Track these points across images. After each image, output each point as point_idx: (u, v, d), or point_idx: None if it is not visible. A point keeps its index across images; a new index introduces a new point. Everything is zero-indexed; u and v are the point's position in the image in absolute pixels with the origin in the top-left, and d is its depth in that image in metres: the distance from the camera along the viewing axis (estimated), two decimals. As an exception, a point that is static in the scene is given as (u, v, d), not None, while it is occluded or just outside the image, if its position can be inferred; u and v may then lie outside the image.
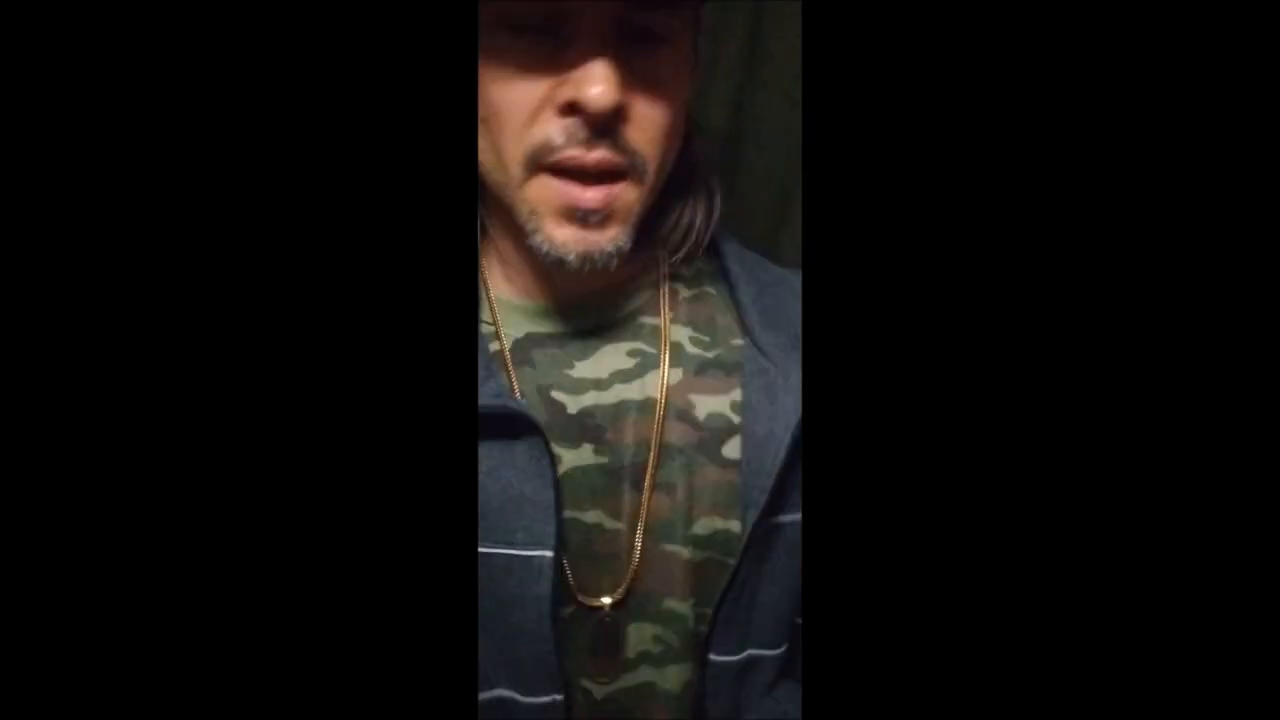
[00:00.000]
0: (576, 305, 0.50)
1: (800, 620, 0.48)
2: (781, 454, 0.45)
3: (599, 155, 0.43)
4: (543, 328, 0.50)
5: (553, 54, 0.41)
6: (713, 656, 0.46)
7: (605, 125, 0.42)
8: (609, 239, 0.45)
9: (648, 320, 0.50)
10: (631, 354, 0.49)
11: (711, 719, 0.46)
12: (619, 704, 0.46)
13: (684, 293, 0.52)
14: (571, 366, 0.49)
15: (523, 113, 0.42)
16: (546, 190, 0.44)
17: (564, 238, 0.45)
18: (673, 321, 0.50)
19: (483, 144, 0.45)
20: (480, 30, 0.42)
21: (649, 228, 0.49)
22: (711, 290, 0.52)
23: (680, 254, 0.50)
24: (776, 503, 0.46)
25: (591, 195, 0.43)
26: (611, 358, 0.49)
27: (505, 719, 0.44)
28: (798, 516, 0.47)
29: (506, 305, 0.50)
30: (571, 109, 0.42)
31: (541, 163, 0.44)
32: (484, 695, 0.44)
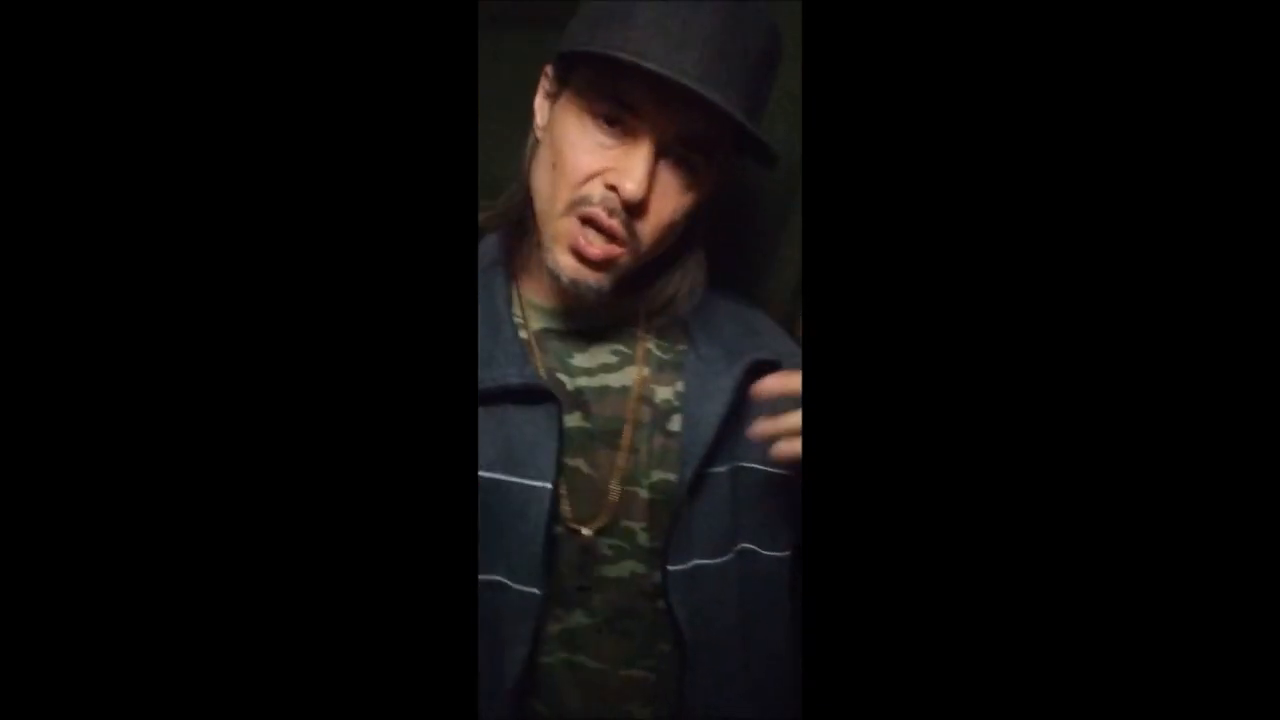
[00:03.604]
0: (579, 312, 0.68)
1: (743, 545, 0.67)
2: (713, 427, 0.64)
3: (613, 224, 0.61)
4: (554, 325, 0.68)
5: (620, 146, 0.60)
6: (669, 567, 0.64)
7: (628, 208, 0.60)
8: (595, 280, 0.63)
9: (628, 329, 0.69)
10: (614, 353, 0.68)
11: (678, 616, 0.64)
12: (586, 596, 0.65)
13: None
14: (571, 356, 0.67)
15: (584, 172, 0.61)
16: (571, 228, 0.62)
17: (565, 264, 0.63)
18: (645, 333, 0.69)
19: (544, 179, 0.64)
20: (571, 108, 0.62)
21: (636, 282, 0.68)
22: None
23: (660, 317, 0.69)
24: (708, 459, 0.64)
25: (595, 250, 0.62)
26: (600, 354, 0.68)
27: (495, 598, 0.62)
28: (724, 468, 0.66)
29: (530, 304, 0.69)
30: (613, 188, 0.60)
31: (576, 209, 0.62)
32: (483, 578, 0.62)
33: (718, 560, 0.66)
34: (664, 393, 0.68)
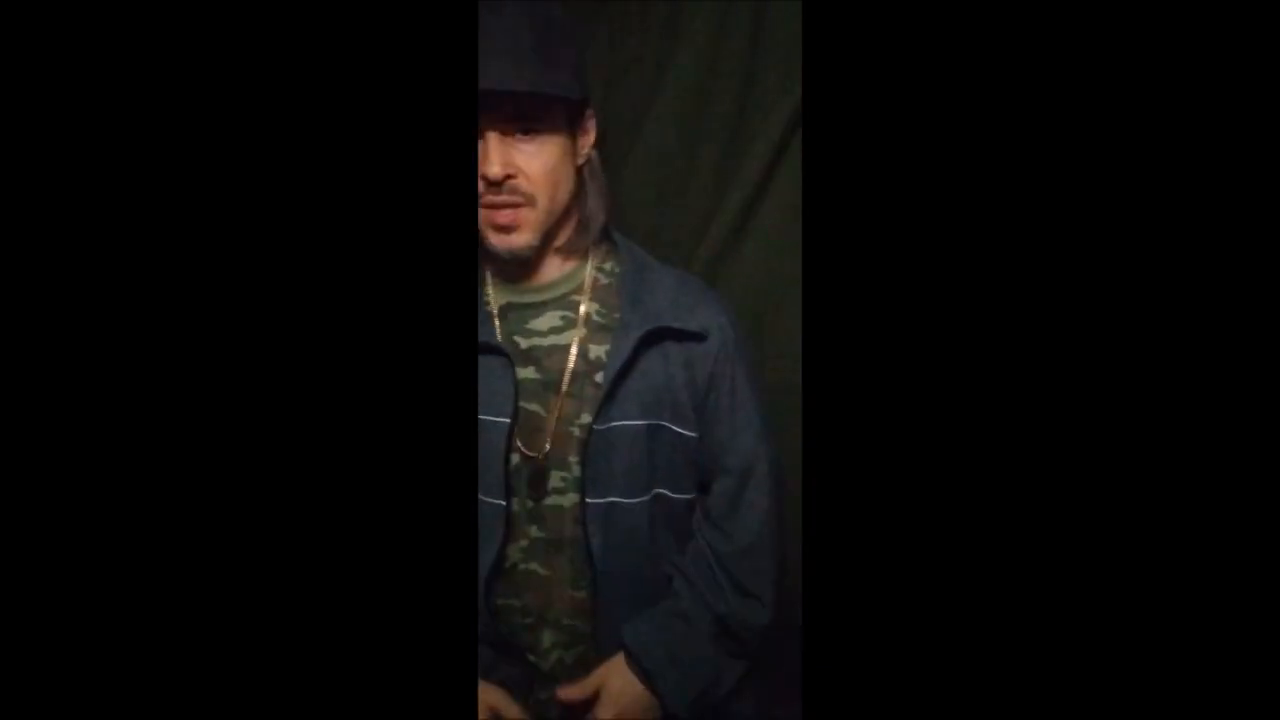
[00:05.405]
0: (532, 289, 0.89)
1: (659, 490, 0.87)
2: (609, 383, 0.83)
3: (501, 198, 0.81)
4: (515, 299, 0.89)
5: (482, 147, 0.80)
6: (588, 500, 0.84)
7: (501, 184, 0.80)
8: (522, 242, 0.83)
9: (574, 299, 0.89)
10: (562, 318, 0.88)
11: (592, 545, 0.84)
12: (539, 516, 0.86)
13: (601, 281, 0.90)
14: (528, 322, 0.88)
15: (477, 177, 0.81)
16: (485, 216, 0.82)
17: (495, 241, 0.83)
18: (590, 300, 0.88)
19: None
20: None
21: (565, 236, 0.88)
22: (610, 282, 0.90)
23: (591, 235, 0.88)
24: (605, 413, 0.84)
25: (501, 217, 0.82)
26: (551, 319, 0.88)
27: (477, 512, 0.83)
28: (642, 423, 0.85)
29: (500, 285, 0.90)
30: (484, 177, 0.80)
31: (481, 203, 0.82)
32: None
33: (634, 500, 0.85)
34: (596, 350, 0.86)
